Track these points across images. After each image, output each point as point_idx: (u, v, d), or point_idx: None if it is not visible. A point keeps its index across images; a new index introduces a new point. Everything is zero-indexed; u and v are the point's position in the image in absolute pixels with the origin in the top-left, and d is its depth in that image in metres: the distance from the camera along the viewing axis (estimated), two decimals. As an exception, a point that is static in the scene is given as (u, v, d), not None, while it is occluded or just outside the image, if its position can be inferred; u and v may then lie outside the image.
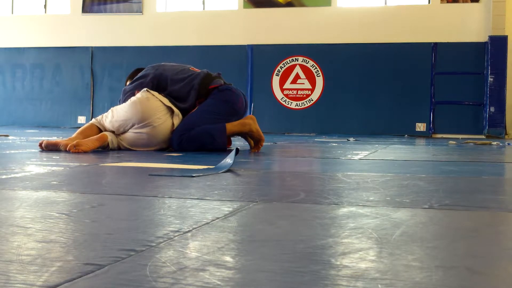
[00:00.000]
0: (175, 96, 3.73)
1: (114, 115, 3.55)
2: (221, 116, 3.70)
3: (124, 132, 3.54)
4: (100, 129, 3.57)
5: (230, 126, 3.66)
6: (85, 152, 3.21)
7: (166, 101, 3.59)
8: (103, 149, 3.43)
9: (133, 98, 3.58)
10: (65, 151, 3.23)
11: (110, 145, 3.44)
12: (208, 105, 3.71)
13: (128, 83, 4.00)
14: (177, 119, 3.60)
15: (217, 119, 3.67)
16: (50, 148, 3.33)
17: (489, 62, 8.96)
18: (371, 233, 1.03)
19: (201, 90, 3.74)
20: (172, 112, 3.59)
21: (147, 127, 3.49)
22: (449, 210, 1.33)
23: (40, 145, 3.35)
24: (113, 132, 3.56)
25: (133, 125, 3.51)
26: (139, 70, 4.05)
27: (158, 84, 3.78)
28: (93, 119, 3.68)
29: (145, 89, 3.62)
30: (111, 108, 3.66)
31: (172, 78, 3.79)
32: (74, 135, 3.49)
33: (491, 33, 9.04)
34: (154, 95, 3.56)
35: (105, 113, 3.64)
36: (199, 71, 3.88)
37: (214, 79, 3.81)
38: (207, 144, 3.58)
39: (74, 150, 3.19)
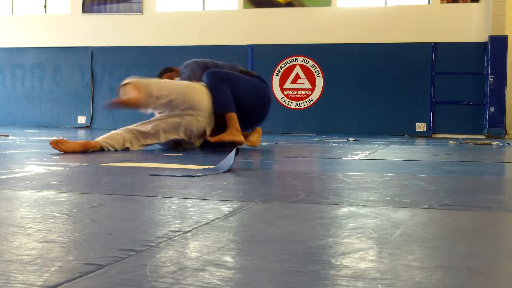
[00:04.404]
0: None
1: (171, 84, 3.69)
2: (249, 97, 3.92)
3: (156, 107, 3.62)
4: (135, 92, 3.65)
5: (234, 120, 3.74)
6: (65, 152, 3.10)
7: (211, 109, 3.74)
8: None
9: (197, 86, 3.72)
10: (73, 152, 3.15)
11: (106, 149, 3.36)
12: (255, 84, 3.99)
13: (164, 76, 4.21)
14: (209, 129, 3.73)
15: (247, 93, 3.91)
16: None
17: (489, 62, 8.96)
18: (371, 233, 1.03)
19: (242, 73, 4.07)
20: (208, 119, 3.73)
21: (189, 115, 3.59)
22: (449, 210, 1.33)
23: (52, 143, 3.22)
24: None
25: (175, 106, 3.59)
26: (169, 69, 4.27)
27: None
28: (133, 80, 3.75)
29: (203, 84, 3.77)
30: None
31: (217, 65, 4.10)
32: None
33: (491, 33, 9.04)
34: (209, 98, 3.71)
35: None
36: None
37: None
38: (215, 101, 3.71)
39: (55, 147, 3.11)
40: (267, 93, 4.12)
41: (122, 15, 10.53)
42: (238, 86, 3.85)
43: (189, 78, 3.91)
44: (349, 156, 3.46)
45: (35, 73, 10.95)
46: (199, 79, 3.91)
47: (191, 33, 10.17)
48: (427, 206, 1.36)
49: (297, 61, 9.83)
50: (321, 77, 9.73)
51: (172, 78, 4.05)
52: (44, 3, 11.03)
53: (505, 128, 8.94)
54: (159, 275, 0.73)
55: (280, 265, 0.80)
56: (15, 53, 11.05)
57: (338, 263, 0.81)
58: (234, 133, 3.69)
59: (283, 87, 9.85)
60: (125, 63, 10.45)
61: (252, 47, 9.95)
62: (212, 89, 3.74)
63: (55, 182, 1.77)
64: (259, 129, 4.09)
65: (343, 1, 9.76)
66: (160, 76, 4.18)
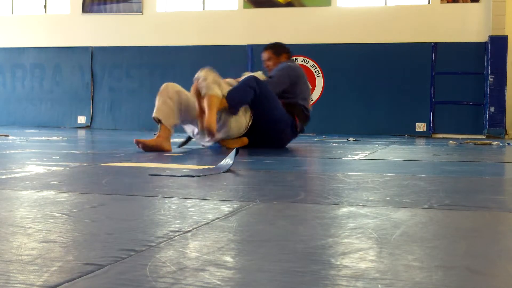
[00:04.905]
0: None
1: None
2: (269, 124, 4.07)
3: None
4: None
5: (216, 104, 3.86)
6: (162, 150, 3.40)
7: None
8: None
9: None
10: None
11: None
12: (284, 116, 4.15)
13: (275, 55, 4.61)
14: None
15: (272, 121, 4.06)
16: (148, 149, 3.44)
17: (489, 62, 8.96)
18: (371, 233, 1.03)
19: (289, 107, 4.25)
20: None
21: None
22: (449, 210, 1.33)
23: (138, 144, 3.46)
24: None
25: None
26: (281, 45, 4.73)
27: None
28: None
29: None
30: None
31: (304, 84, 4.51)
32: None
33: (491, 33, 9.03)
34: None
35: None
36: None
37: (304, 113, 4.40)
38: (232, 92, 3.87)
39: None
40: (284, 135, 4.24)
41: (122, 15, 10.53)
42: (269, 107, 4.01)
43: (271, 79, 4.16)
44: (349, 156, 3.46)
45: (35, 73, 10.95)
46: (275, 87, 4.16)
47: (191, 33, 10.17)
48: (427, 206, 1.36)
49: (297, 61, 9.83)
50: (321, 77, 9.73)
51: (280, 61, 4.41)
52: (44, 3, 11.03)
53: (505, 128, 8.94)
54: (159, 275, 0.73)
55: (280, 265, 0.80)
56: (15, 53, 11.04)
57: (338, 263, 0.81)
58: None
59: (283, 87, 9.84)
60: (125, 63, 10.45)
61: (252, 47, 9.95)
62: (241, 83, 3.93)
63: (55, 182, 1.77)
64: (245, 139, 4.10)
65: (343, 1, 9.76)
66: (280, 54, 4.56)
